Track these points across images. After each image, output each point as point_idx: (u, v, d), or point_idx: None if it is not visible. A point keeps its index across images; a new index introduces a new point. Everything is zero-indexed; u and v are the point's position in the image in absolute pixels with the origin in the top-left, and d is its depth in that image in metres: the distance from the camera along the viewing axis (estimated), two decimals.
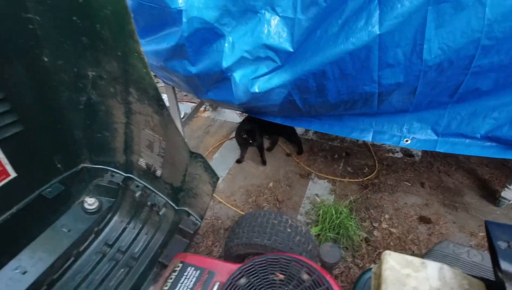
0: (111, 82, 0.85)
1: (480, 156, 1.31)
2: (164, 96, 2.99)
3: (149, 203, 1.18)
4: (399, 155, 2.38)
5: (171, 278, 0.74)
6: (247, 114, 2.11)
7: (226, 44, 1.17)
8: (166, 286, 0.72)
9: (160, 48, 1.30)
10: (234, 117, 2.99)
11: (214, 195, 2.01)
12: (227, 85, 1.33)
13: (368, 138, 1.54)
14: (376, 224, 1.81)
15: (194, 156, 0.96)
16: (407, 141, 1.47)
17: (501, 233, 0.57)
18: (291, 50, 1.08)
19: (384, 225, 1.81)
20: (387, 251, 0.61)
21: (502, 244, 0.55)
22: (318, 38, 1.04)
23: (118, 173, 1.14)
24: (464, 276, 0.59)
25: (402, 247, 1.67)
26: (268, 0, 1.04)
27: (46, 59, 0.79)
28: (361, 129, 1.56)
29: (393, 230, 1.78)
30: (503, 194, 1.81)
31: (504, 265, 0.50)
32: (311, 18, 1.01)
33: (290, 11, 1.02)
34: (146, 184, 1.15)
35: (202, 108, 3.12)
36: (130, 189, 1.16)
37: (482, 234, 1.69)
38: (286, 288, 0.64)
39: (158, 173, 1.09)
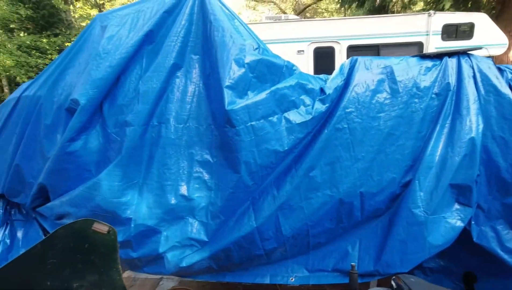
0: (90, 288, 1.25)
1: (333, 282, 2.05)
2: None
3: None
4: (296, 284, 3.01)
5: None
6: None
7: (162, 238, 1.74)
8: None
9: None
10: None
11: None
12: (161, 262, 1.83)
13: (267, 281, 2.14)
14: None
15: None
16: (292, 279, 2.13)
17: None
18: (207, 240, 1.74)
19: None
20: None
21: None
22: (224, 229, 1.75)
23: None
24: None
25: None
26: (190, 211, 1.73)
27: (48, 283, 1.18)
28: (262, 275, 2.16)
29: None
30: None
31: None
32: (217, 223, 1.73)
33: (204, 218, 1.73)
34: None
35: None
36: None
37: None
38: None
39: None
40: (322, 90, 1.70)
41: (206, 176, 1.72)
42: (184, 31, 1.68)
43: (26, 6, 14.33)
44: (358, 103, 1.73)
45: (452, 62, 1.81)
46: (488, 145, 1.80)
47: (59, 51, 15.18)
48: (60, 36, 15.48)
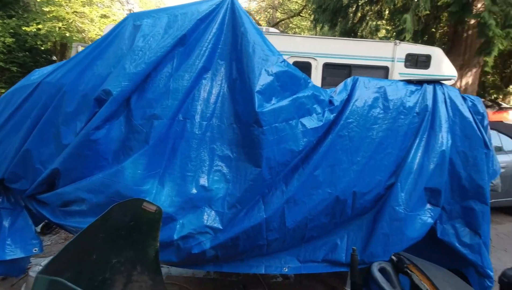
0: (125, 264, 1.35)
1: (322, 272, 2.32)
2: None
3: None
4: (280, 279, 3.23)
5: None
6: None
7: (178, 225, 1.86)
8: None
9: None
10: None
11: None
12: (173, 249, 1.94)
13: (262, 270, 2.33)
14: None
15: None
16: (285, 269, 2.34)
17: None
18: (221, 228, 1.90)
19: None
20: None
21: None
22: (237, 219, 1.92)
23: None
24: None
25: None
26: (208, 201, 1.88)
27: (94, 257, 1.27)
28: (257, 266, 2.34)
29: None
30: None
31: None
32: (233, 212, 1.90)
33: (220, 207, 1.89)
34: None
35: None
36: None
37: None
38: None
39: None
40: (330, 102, 1.99)
41: (226, 170, 1.89)
42: (214, 39, 1.87)
43: None
44: (358, 115, 2.04)
45: (429, 89, 2.21)
46: (453, 158, 2.22)
47: (13, 34, 13.93)
48: (14, 19, 14.15)
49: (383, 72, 6.83)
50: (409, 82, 2.21)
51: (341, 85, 2.10)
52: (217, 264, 2.32)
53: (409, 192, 2.10)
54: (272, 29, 8.91)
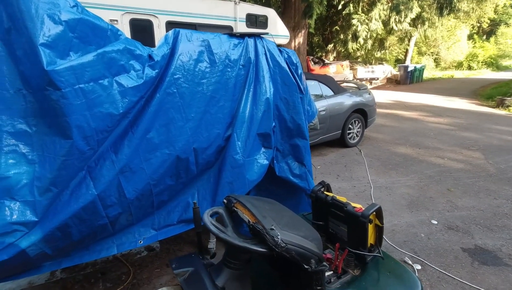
0: None
1: (180, 232, 2.33)
2: None
3: None
4: (145, 253, 3.10)
5: None
6: None
7: None
8: None
9: None
10: None
11: None
12: None
13: (114, 251, 2.13)
14: None
15: None
16: (140, 242, 2.22)
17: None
18: (37, 219, 1.53)
19: None
20: None
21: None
22: (57, 204, 1.59)
23: None
24: None
25: None
26: (6, 193, 1.45)
27: None
28: (107, 248, 2.12)
29: None
30: (209, 245, 3.02)
31: None
32: (48, 198, 1.54)
33: (29, 196, 1.50)
34: None
35: None
36: None
37: None
38: None
39: None
40: (150, 57, 1.82)
41: (25, 148, 1.48)
42: None
43: None
44: (184, 70, 1.97)
45: (251, 42, 2.36)
46: (277, 103, 2.53)
47: None
48: None
49: (227, 31, 7.00)
50: (231, 35, 2.29)
51: (162, 39, 1.96)
52: (54, 262, 1.96)
53: (244, 140, 2.28)
54: None
